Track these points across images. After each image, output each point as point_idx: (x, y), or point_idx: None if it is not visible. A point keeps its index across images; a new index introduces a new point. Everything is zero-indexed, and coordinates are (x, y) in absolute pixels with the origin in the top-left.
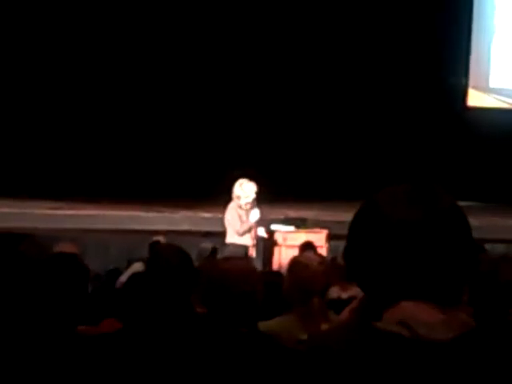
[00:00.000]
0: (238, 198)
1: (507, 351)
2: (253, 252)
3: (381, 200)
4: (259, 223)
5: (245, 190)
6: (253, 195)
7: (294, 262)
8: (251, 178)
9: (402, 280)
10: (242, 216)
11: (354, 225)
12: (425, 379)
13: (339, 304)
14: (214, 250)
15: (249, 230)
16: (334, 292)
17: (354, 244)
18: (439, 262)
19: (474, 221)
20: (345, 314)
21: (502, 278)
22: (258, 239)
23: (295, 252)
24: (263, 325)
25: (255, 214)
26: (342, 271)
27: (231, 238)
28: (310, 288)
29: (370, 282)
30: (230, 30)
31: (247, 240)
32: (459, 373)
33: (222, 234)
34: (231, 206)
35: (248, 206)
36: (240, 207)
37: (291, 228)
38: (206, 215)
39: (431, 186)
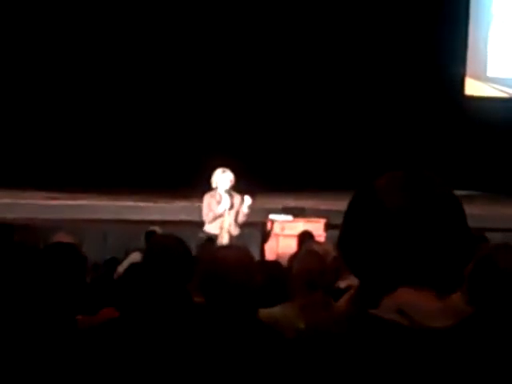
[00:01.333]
0: (215, 187)
1: (505, 338)
2: (222, 240)
3: (376, 187)
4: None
5: (220, 179)
6: (228, 184)
7: (310, 251)
8: (228, 166)
9: (396, 267)
10: (211, 204)
11: (349, 211)
12: (423, 367)
13: (336, 293)
14: (210, 240)
15: (216, 219)
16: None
17: (350, 231)
18: (433, 249)
19: (472, 210)
20: (342, 302)
21: (501, 265)
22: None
23: (293, 241)
24: (264, 312)
25: (223, 204)
26: (341, 260)
27: (205, 226)
28: (319, 281)
29: (365, 269)
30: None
31: (215, 228)
32: (457, 360)
33: None
34: (206, 195)
35: (222, 196)
36: (214, 196)
37: (289, 217)
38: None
39: (426, 172)
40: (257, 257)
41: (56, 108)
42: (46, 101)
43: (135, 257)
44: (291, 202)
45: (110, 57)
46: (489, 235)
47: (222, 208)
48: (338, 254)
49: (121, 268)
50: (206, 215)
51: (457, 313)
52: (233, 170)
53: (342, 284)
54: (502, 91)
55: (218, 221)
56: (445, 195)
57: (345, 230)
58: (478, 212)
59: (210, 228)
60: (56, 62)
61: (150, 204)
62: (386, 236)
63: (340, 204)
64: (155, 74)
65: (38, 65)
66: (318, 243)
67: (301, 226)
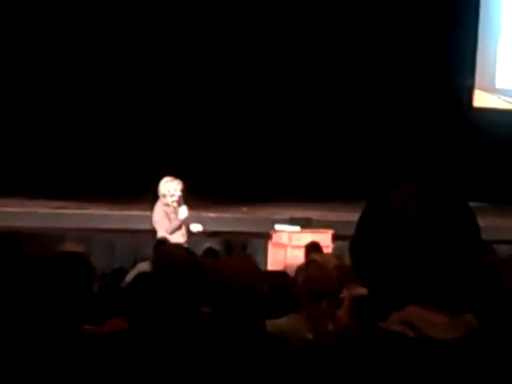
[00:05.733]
0: (164, 196)
1: (511, 351)
2: None
3: (394, 197)
4: (189, 220)
5: (170, 188)
6: (178, 193)
7: (311, 261)
8: (176, 175)
9: (410, 282)
10: (169, 214)
11: (363, 222)
12: (430, 379)
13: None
14: (209, 250)
15: (178, 228)
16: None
17: (364, 241)
18: (451, 265)
19: (479, 222)
20: (340, 313)
21: (505, 278)
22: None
23: (301, 252)
24: (271, 323)
25: (183, 211)
26: (348, 271)
27: (159, 235)
28: (322, 290)
29: (378, 281)
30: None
31: (178, 238)
32: (464, 373)
33: (227, 234)
34: (157, 206)
35: (175, 204)
36: (167, 205)
37: (297, 228)
38: (211, 215)
39: (444, 185)
40: (263, 267)
41: (63, 117)
42: (53, 110)
43: (143, 266)
44: (298, 213)
45: (109, 66)
46: (494, 247)
47: (183, 216)
48: (339, 263)
49: (128, 277)
50: (169, 226)
51: (464, 326)
52: (240, 180)
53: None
54: (510, 103)
55: (180, 230)
56: (462, 209)
57: (358, 238)
58: (485, 224)
59: (173, 238)
60: (60, 66)
61: None
62: (404, 246)
63: (347, 215)
64: (154, 82)
65: (45, 71)
66: (323, 254)
67: (308, 236)
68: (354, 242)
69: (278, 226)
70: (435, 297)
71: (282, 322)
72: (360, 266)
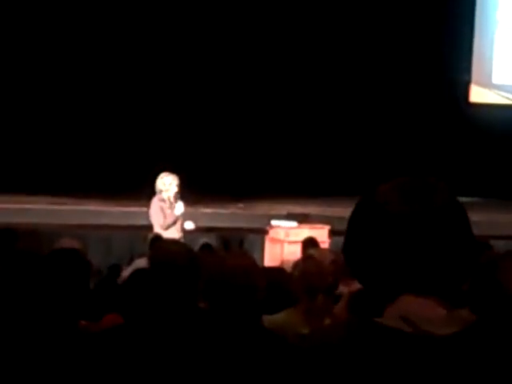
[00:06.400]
0: (160, 191)
1: (508, 346)
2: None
3: (379, 193)
4: (185, 216)
5: (166, 183)
6: (174, 188)
7: (308, 257)
8: (173, 171)
9: (400, 275)
10: (165, 209)
11: (353, 218)
12: (427, 374)
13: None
14: (206, 246)
15: (174, 224)
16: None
17: (353, 236)
18: (437, 256)
19: (475, 217)
20: (338, 308)
21: (503, 274)
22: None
23: (297, 248)
24: (267, 319)
25: (179, 207)
26: (345, 267)
27: (155, 230)
28: (319, 285)
29: (369, 277)
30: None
31: (173, 233)
32: (461, 368)
33: (224, 230)
34: (154, 201)
35: (171, 200)
36: (163, 201)
37: (293, 224)
38: (208, 211)
39: (429, 179)
40: (260, 263)
41: (59, 113)
42: (51, 106)
43: (141, 262)
44: (295, 209)
45: (117, 60)
46: (491, 242)
47: (179, 212)
48: (335, 258)
49: (125, 273)
50: (164, 221)
51: (461, 320)
52: (237, 176)
53: (345, 290)
54: (507, 98)
55: (175, 225)
56: (449, 202)
57: (348, 235)
58: (481, 219)
59: (168, 234)
60: (57, 64)
61: None
62: (389, 242)
63: (344, 210)
64: (156, 81)
65: (43, 69)
66: (320, 249)
67: (305, 232)
68: (346, 239)
69: (274, 222)
70: (427, 289)
71: (279, 317)
72: (352, 264)
